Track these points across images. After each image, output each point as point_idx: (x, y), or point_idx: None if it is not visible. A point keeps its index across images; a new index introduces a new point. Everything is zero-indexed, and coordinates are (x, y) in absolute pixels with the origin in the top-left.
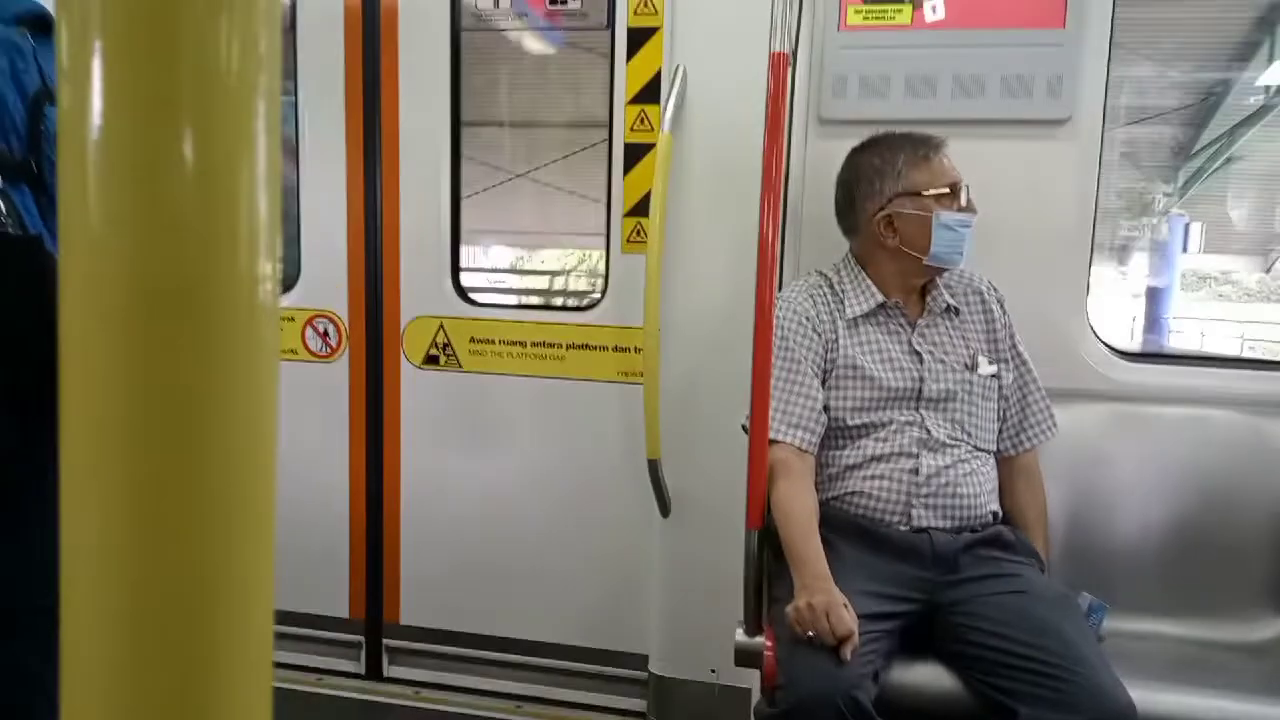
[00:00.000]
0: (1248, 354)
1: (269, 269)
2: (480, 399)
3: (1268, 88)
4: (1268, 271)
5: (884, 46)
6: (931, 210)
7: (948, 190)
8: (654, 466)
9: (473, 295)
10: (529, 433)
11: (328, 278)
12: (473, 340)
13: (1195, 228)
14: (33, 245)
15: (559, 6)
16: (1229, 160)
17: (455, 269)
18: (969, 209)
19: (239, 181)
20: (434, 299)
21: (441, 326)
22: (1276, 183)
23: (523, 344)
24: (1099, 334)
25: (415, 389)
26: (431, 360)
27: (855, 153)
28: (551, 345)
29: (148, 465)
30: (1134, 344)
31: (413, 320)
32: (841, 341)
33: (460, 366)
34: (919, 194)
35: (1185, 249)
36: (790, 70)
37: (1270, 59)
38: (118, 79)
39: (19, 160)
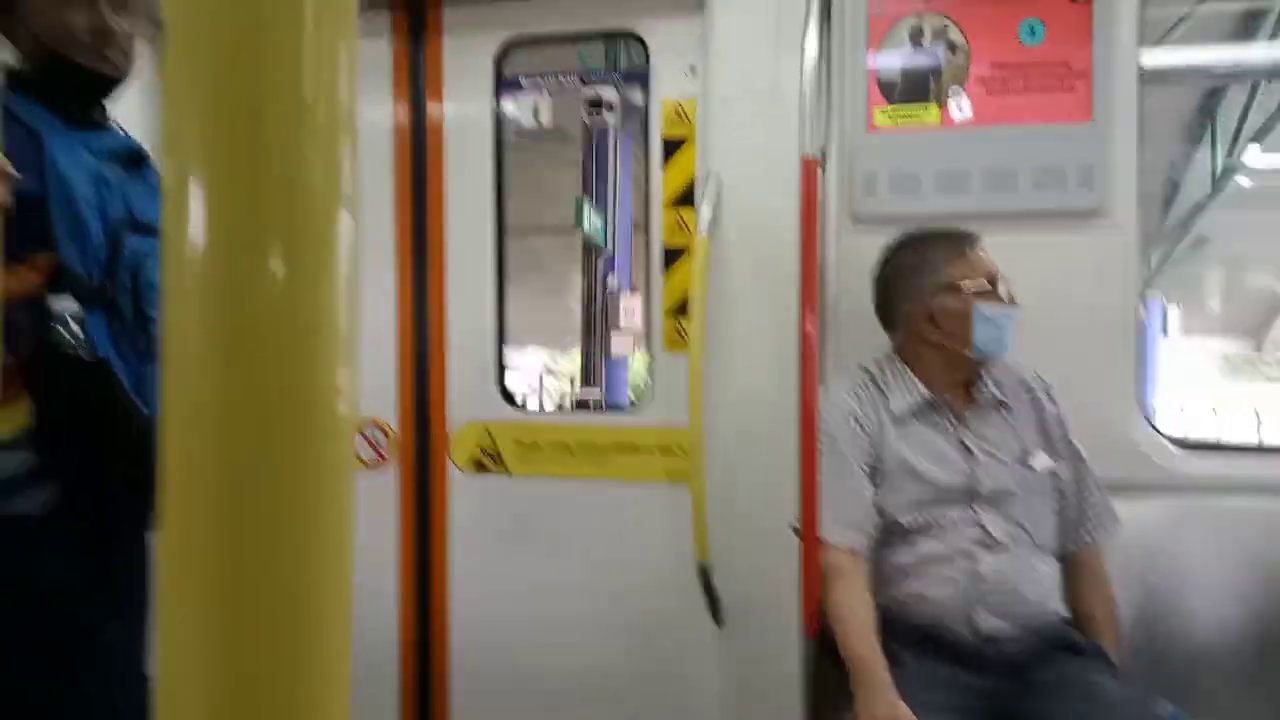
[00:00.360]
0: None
1: (348, 380)
2: (528, 503)
3: (1215, 170)
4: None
5: (913, 146)
6: (971, 303)
7: (985, 283)
8: (704, 570)
9: (519, 400)
10: (577, 537)
11: (378, 386)
12: (518, 444)
13: (1172, 310)
14: (100, 369)
15: (597, 119)
16: (1198, 241)
17: (500, 373)
18: (1008, 301)
19: (321, 297)
20: (480, 403)
21: (488, 431)
22: (1247, 262)
23: (568, 447)
24: (1154, 423)
25: (464, 495)
26: (479, 465)
27: (891, 250)
28: (597, 447)
29: (238, 575)
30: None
31: (461, 426)
32: (889, 439)
33: (508, 470)
34: (957, 288)
35: (1165, 332)
36: (821, 172)
37: (1213, 143)
38: (215, 204)
39: (96, 286)
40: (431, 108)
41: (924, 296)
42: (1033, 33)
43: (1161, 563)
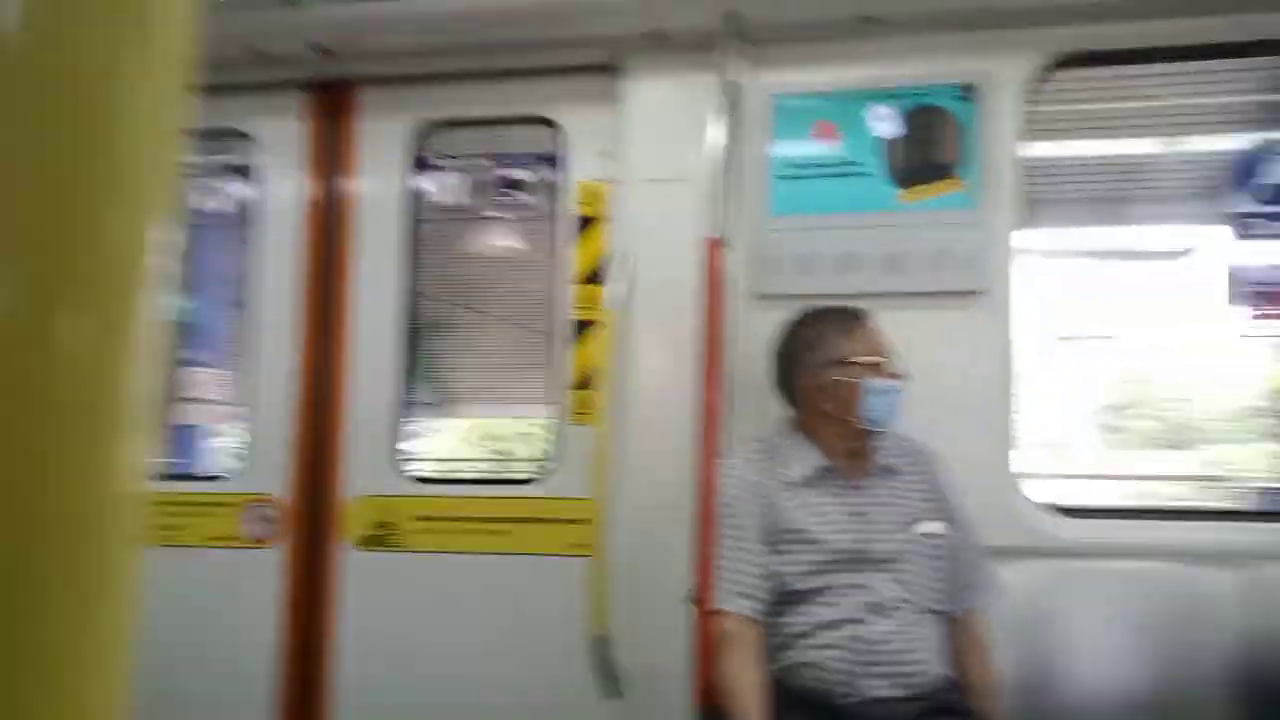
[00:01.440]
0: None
1: (132, 454)
2: (424, 579)
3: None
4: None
5: (813, 230)
6: (861, 377)
7: (875, 358)
8: (601, 644)
9: (417, 471)
10: (475, 612)
11: (268, 462)
12: (417, 518)
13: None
14: None
15: (509, 199)
16: None
17: (400, 445)
18: (896, 375)
19: (106, 369)
20: (377, 477)
21: (384, 505)
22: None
23: (467, 520)
24: (1029, 491)
25: (357, 572)
26: (373, 540)
27: (789, 327)
28: (497, 521)
29: None
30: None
31: (354, 499)
32: (785, 506)
33: (402, 546)
34: (849, 362)
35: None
36: (725, 252)
37: None
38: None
39: None
40: (344, 185)
41: (819, 370)
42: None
43: (1040, 626)
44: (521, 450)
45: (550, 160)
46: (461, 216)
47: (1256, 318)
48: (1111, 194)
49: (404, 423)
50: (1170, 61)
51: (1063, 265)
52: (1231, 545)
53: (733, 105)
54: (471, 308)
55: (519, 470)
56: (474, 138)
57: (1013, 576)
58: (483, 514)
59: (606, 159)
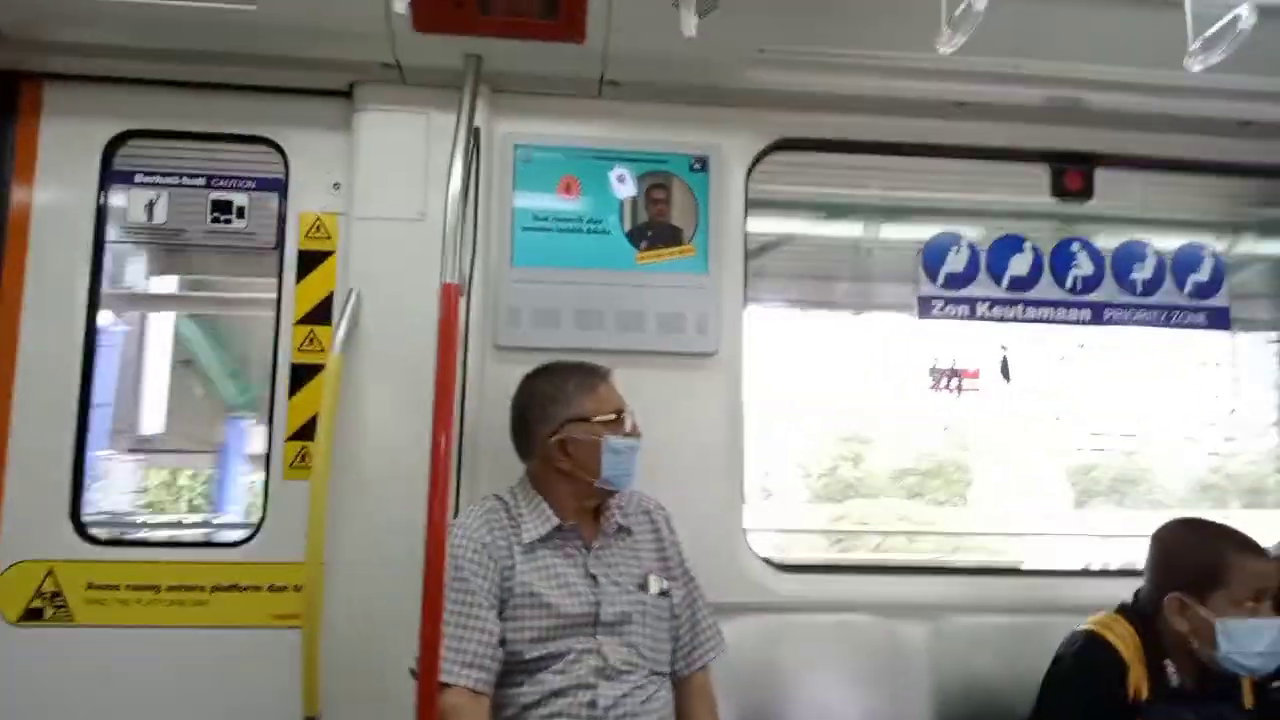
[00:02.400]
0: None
1: None
2: (99, 660)
3: None
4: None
5: (553, 283)
6: (600, 435)
7: (614, 416)
8: None
9: (95, 532)
10: (165, 697)
11: None
12: (91, 587)
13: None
14: None
15: (222, 224)
16: None
17: (76, 500)
18: (634, 433)
19: None
20: (42, 536)
21: (50, 572)
22: None
23: (156, 588)
24: (754, 548)
25: (7, 652)
26: (34, 614)
27: (529, 379)
28: (192, 589)
29: None
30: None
31: (11, 566)
32: (519, 569)
33: (72, 620)
34: (588, 420)
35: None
36: (465, 300)
37: None
38: None
39: None
40: (19, 193)
41: (557, 426)
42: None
43: (761, 678)
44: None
45: (275, 187)
46: (165, 240)
47: (933, 388)
48: (825, 272)
49: (82, 471)
50: (873, 154)
51: (785, 332)
52: (922, 598)
53: (474, 149)
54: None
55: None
56: (187, 154)
57: (738, 632)
58: (176, 581)
59: (337, 191)
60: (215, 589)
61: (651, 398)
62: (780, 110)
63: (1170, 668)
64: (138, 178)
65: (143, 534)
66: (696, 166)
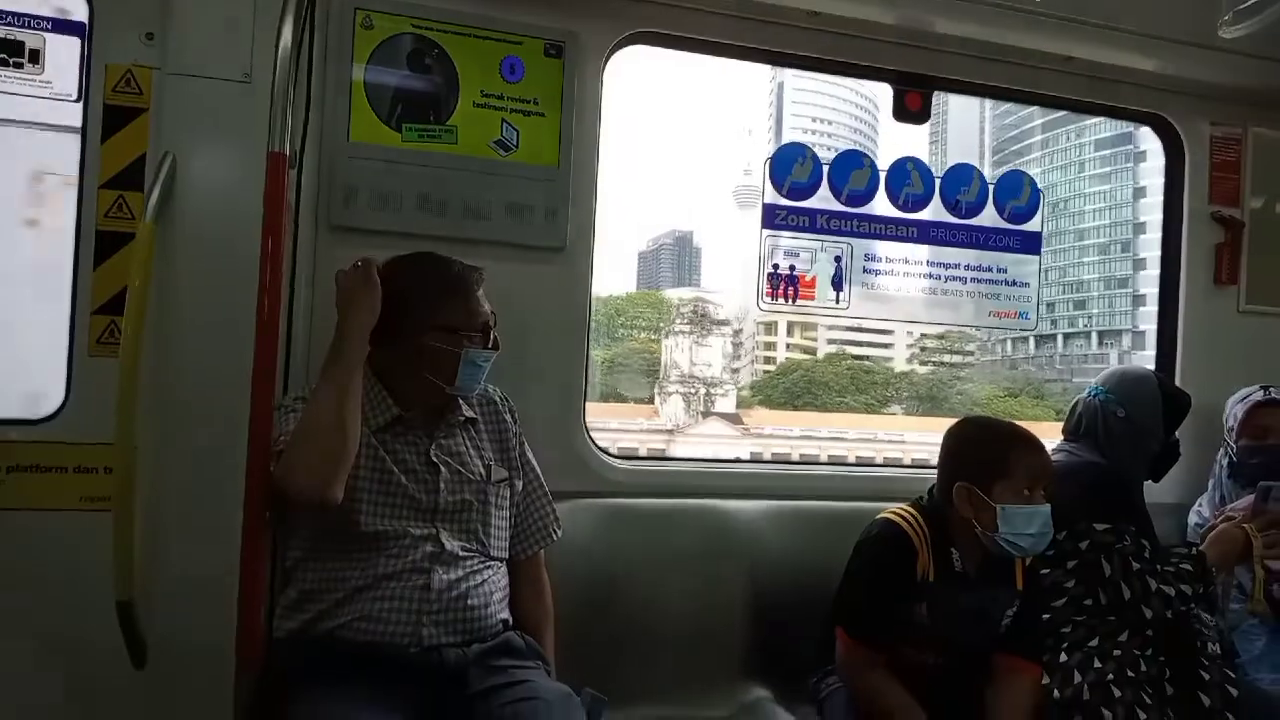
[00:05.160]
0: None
1: None
2: None
3: None
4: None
5: (394, 162)
6: (463, 346)
7: (479, 330)
8: (125, 610)
9: None
10: None
11: None
12: None
13: None
14: None
15: (11, 70)
16: None
17: None
18: (495, 346)
19: None
20: None
21: None
22: None
23: None
24: (593, 439)
25: None
26: None
27: (398, 268)
28: None
29: None
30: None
31: None
32: (365, 441)
33: None
34: (455, 331)
35: None
36: (297, 173)
37: None
38: None
39: None
40: None
41: (419, 330)
42: (513, 70)
43: (597, 562)
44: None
45: (77, 31)
46: None
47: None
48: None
49: None
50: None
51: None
52: (747, 488)
53: (309, 8)
54: None
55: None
56: None
57: (577, 518)
58: None
59: (151, 42)
60: (12, 470)
61: (496, 288)
62: (639, 2)
63: (955, 554)
64: None
65: None
66: (552, 52)
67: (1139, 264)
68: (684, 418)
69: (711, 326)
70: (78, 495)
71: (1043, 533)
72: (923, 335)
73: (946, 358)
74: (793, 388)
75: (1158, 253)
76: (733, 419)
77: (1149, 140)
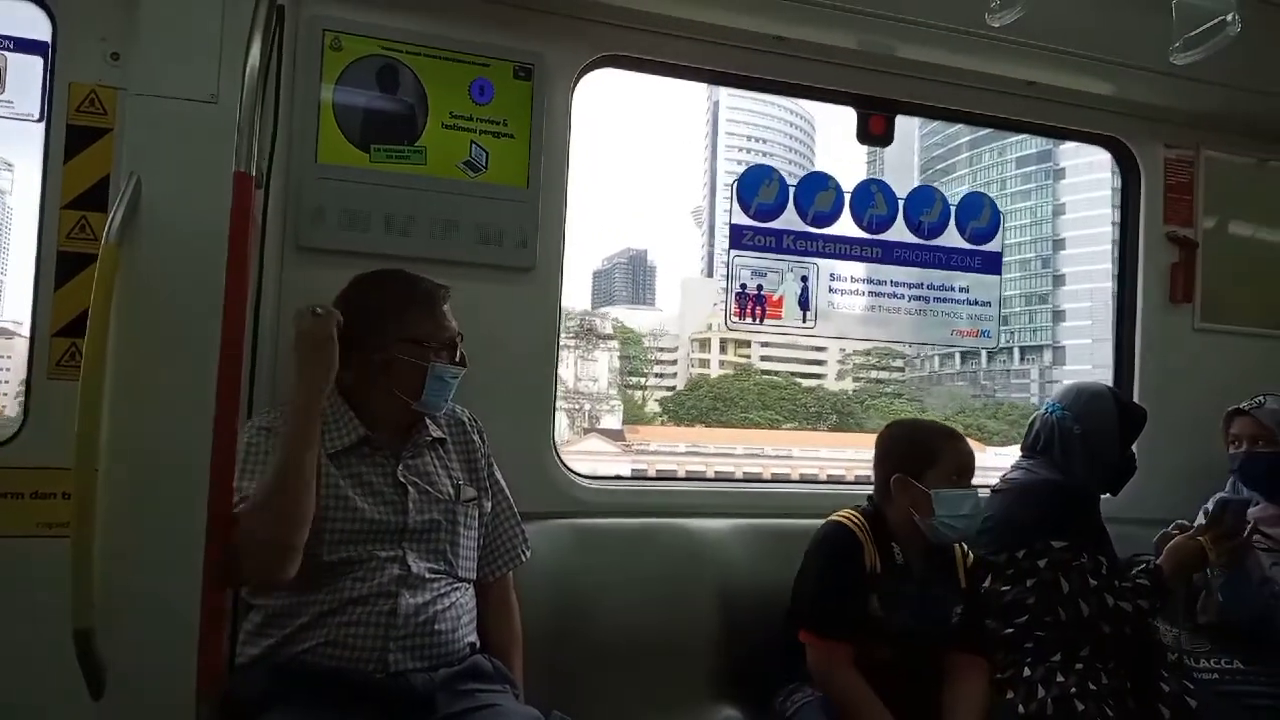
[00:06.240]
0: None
1: None
2: None
3: None
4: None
5: (362, 182)
6: (429, 361)
7: (446, 345)
8: (83, 638)
9: None
10: None
11: None
12: None
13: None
14: None
15: None
16: None
17: None
18: (462, 362)
19: None
20: None
21: None
22: None
23: None
24: (563, 459)
25: None
26: None
27: (363, 285)
28: None
29: None
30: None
31: None
32: (326, 471)
33: None
34: (421, 344)
35: None
36: (264, 194)
37: None
38: None
39: None
40: None
41: (385, 344)
42: (482, 92)
43: (566, 583)
44: None
45: (39, 50)
46: None
47: (737, 315)
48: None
49: None
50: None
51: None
52: (715, 505)
53: (277, 29)
54: None
55: None
56: None
57: (546, 539)
58: None
59: (116, 62)
60: None
61: (465, 309)
62: (607, 25)
63: (896, 549)
64: None
65: None
66: (521, 74)
67: (1058, 280)
68: (566, 434)
69: (598, 341)
70: (34, 521)
71: (974, 514)
72: (854, 352)
73: (874, 374)
74: (698, 404)
75: (1077, 268)
76: (615, 435)
77: (1068, 158)
